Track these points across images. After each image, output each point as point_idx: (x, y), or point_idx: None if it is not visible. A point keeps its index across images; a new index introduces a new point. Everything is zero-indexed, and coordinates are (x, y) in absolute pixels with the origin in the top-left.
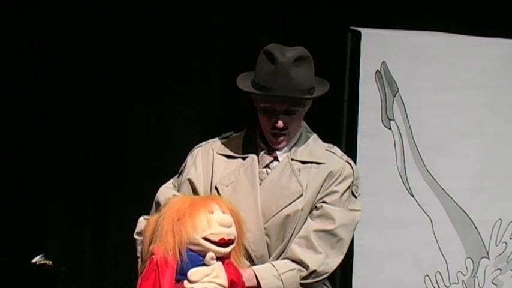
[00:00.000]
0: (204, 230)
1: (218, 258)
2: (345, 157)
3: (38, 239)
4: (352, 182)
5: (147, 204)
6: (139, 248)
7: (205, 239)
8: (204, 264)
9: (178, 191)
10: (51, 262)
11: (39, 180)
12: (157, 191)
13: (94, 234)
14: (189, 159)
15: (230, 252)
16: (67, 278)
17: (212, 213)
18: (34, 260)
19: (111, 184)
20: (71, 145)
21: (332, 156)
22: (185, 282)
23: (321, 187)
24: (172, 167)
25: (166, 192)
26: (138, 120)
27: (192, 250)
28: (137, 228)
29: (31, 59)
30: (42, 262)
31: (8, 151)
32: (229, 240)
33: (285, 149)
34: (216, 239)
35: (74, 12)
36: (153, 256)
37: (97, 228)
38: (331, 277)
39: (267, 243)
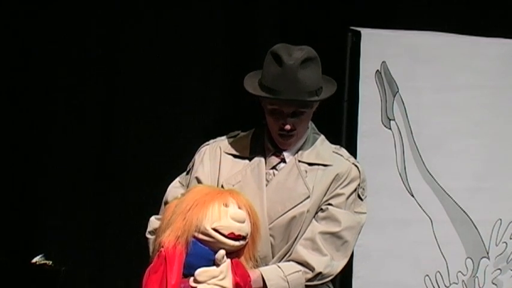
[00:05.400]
0: (215, 220)
1: (228, 254)
2: (352, 159)
3: (38, 239)
4: (359, 185)
5: (147, 204)
6: (151, 248)
7: (215, 230)
8: (213, 263)
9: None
10: (51, 262)
11: (39, 180)
12: (157, 190)
13: (94, 234)
14: (197, 157)
15: (242, 250)
16: (67, 277)
17: (227, 206)
18: (34, 260)
19: (111, 184)
20: (71, 145)
21: (339, 158)
22: (191, 280)
23: (328, 189)
24: (172, 166)
25: (175, 191)
26: (138, 120)
27: (201, 242)
28: (149, 227)
29: (32, 58)
30: (42, 262)
31: (8, 151)
32: (239, 235)
33: (293, 150)
34: (226, 232)
35: (74, 13)
36: (162, 249)
37: (97, 228)
38: (333, 277)
39: (271, 244)
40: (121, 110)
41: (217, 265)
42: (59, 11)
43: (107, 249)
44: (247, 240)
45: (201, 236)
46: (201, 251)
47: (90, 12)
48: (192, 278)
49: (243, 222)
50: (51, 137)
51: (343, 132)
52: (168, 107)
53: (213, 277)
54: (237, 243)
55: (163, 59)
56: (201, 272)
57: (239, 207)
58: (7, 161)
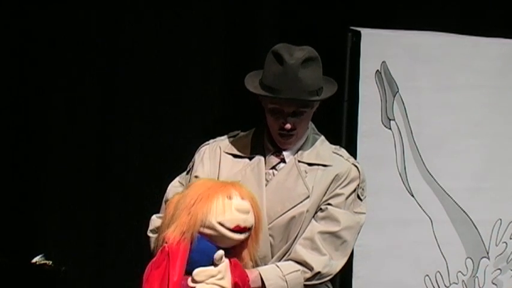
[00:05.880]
0: (220, 214)
1: (228, 253)
2: (352, 159)
3: (38, 239)
4: (358, 185)
5: (147, 203)
6: (153, 245)
7: (220, 224)
8: (213, 263)
9: None
10: (51, 262)
11: (40, 180)
12: (157, 190)
13: (94, 234)
14: (197, 157)
15: (243, 248)
16: (67, 277)
17: (230, 198)
18: (34, 260)
19: (111, 184)
20: (71, 145)
21: (339, 159)
22: (189, 280)
23: (327, 189)
24: (172, 166)
25: (174, 191)
26: (138, 120)
27: (206, 237)
28: (150, 226)
29: (32, 58)
30: (42, 262)
31: (8, 151)
32: (245, 227)
33: (292, 150)
34: (231, 225)
35: (74, 12)
36: (165, 244)
37: (97, 228)
38: (332, 277)
39: (270, 243)
40: (121, 110)
41: (215, 265)
42: (59, 10)
43: (107, 249)
44: (250, 232)
45: (206, 231)
46: (206, 248)
47: (90, 12)
48: (190, 278)
49: (248, 213)
50: (51, 137)
51: (343, 132)
52: (168, 107)
53: (211, 276)
54: (242, 236)
55: (163, 59)
56: (199, 272)
57: (242, 199)
58: (7, 161)
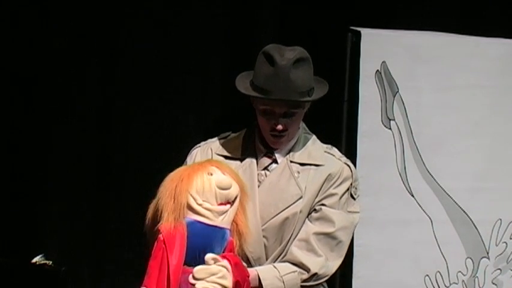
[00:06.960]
0: (201, 191)
1: (226, 231)
2: (344, 159)
3: (38, 239)
4: (351, 184)
5: (147, 204)
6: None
7: (204, 201)
8: (213, 245)
9: None
10: (51, 262)
11: (39, 180)
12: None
13: (94, 234)
14: (189, 159)
15: (237, 219)
16: (67, 277)
17: (211, 174)
18: (34, 260)
19: (111, 184)
20: (71, 145)
21: (331, 158)
22: (190, 277)
23: (320, 189)
24: (172, 166)
25: None
26: (137, 120)
27: (195, 219)
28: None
29: (32, 58)
30: (42, 262)
31: (8, 151)
32: (228, 202)
33: (284, 151)
34: (215, 203)
35: (73, 14)
36: (160, 235)
37: (97, 228)
38: (331, 277)
39: (264, 245)
40: (121, 110)
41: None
42: (59, 10)
43: (107, 249)
44: (236, 204)
45: (193, 211)
46: (199, 230)
47: (90, 12)
48: (191, 275)
49: (230, 187)
50: (51, 137)
51: (343, 132)
52: (168, 107)
53: (212, 274)
54: (226, 207)
55: (163, 59)
56: (199, 270)
57: (223, 173)
58: (7, 162)
